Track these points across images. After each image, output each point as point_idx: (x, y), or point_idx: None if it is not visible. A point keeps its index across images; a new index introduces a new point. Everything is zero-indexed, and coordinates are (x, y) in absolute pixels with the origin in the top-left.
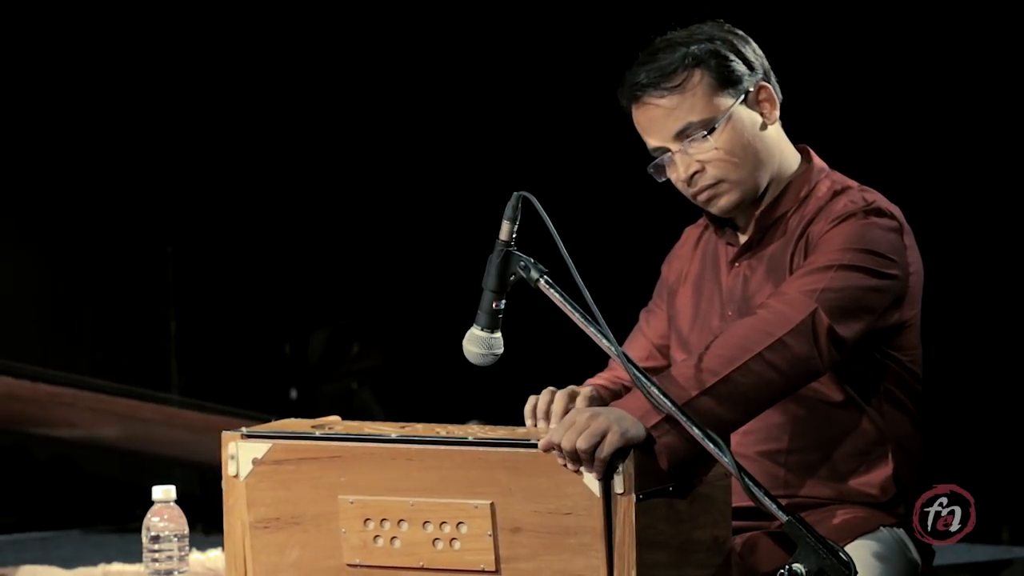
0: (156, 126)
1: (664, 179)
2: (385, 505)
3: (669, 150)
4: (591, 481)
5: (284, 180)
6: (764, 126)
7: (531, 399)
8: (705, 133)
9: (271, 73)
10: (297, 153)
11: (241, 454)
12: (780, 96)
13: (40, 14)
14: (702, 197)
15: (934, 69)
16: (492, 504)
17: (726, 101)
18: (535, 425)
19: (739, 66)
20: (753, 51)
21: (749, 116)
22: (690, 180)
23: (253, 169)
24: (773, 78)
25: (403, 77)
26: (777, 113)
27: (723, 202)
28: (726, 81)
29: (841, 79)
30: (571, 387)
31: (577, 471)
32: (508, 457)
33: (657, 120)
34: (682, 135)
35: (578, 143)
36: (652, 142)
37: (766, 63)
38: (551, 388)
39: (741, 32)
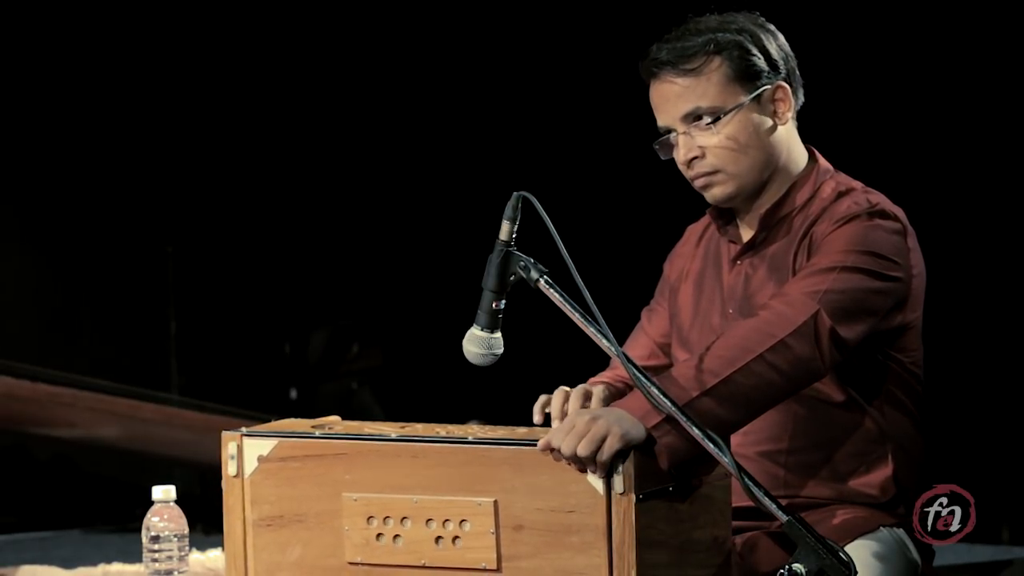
0: (156, 126)
1: (668, 157)
2: (389, 503)
3: (676, 130)
4: (595, 479)
5: (284, 180)
6: (774, 126)
7: (542, 397)
8: (710, 120)
9: (271, 73)
10: (297, 153)
11: (246, 451)
12: (801, 98)
13: (40, 14)
14: (698, 183)
15: (936, 71)
16: (495, 502)
17: (739, 94)
18: (542, 421)
19: (760, 62)
20: (779, 48)
21: (759, 113)
22: (689, 163)
23: (253, 169)
24: (796, 79)
25: (403, 77)
26: (790, 114)
27: (717, 191)
28: (743, 75)
29: (845, 80)
30: (584, 386)
31: (581, 470)
32: (512, 455)
33: (669, 99)
34: (689, 118)
35: (578, 143)
36: (661, 120)
37: (792, 63)
38: (564, 388)
39: (773, 27)
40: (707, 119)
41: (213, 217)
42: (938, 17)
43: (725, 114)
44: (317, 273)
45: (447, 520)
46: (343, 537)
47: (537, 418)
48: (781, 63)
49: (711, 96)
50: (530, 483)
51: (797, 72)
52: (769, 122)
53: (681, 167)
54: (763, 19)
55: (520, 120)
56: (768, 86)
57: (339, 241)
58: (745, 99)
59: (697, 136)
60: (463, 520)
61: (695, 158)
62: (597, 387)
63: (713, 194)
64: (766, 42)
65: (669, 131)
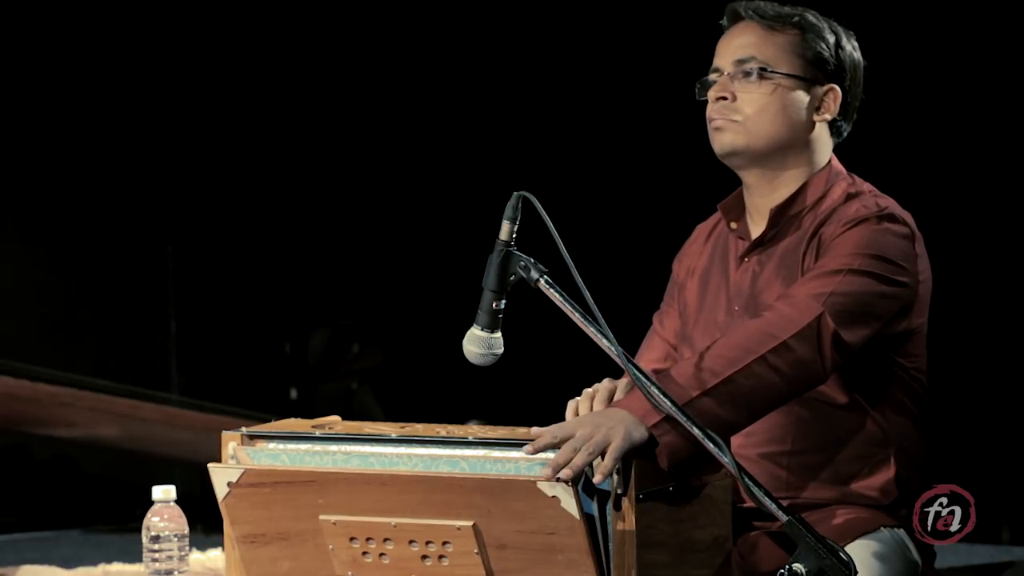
0: (156, 126)
1: (703, 99)
2: (367, 525)
3: (722, 71)
4: (569, 504)
5: (284, 180)
6: (811, 120)
7: (571, 403)
8: (757, 70)
9: (271, 73)
10: (297, 153)
11: (216, 479)
12: (847, 127)
13: (40, 14)
14: (716, 123)
15: (945, 76)
16: (474, 525)
17: (795, 68)
18: None
19: (829, 58)
20: (852, 64)
21: (804, 98)
22: (717, 99)
23: (253, 169)
24: (853, 104)
25: (403, 77)
26: (829, 117)
27: (727, 138)
28: (809, 58)
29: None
30: (607, 385)
31: (557, 479)
32: (482, 483)
33: (734, 40)
34: (740, 63)
35: (578, 143)
36: (716, 61)
37: (858, 88)
38: (588, 391)
39: (855, 43)
40: (755, 69)
41: (213, 217)
42: (949, 21)
43: (773, 72)
44: (317, 273)
45: (429, 541)
46: (329, 554)
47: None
48: (848, 74)
49: (770, 54)
50: (506, 509)
51: (857, 102)
52: (808, 112)
53: (709, 107)
54: (855, 37)
55: (520, 120)
56: (824, 82)
57: (339, 241)
58: (799, 74)
59: (737, 83)
60: (445, 542)
61: (724, 98)
62: (623, 380)
63: (722, 140)
64: (844, 48)
65: (717, 72)
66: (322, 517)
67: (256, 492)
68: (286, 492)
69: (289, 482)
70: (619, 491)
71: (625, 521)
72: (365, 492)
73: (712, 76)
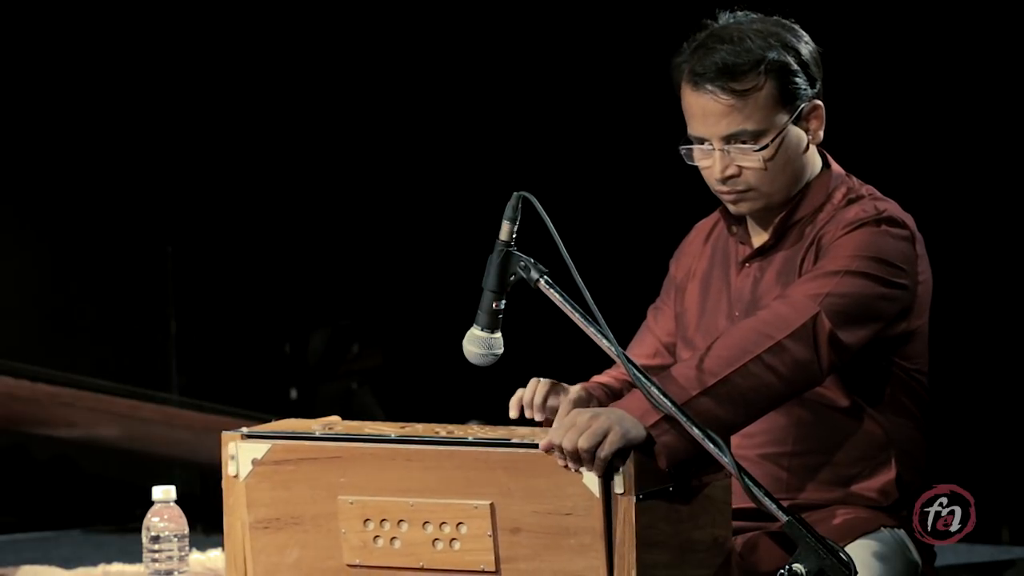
0: (156, 125)
1: (693, 164)
2: (384, 505)
3: (711, 144)
4: (591, 481)
5: (284, 180)
6: (808, 143)
7: (518, 391)
8: (755, 146)
9: (271, 73)
10: (297, 153)
11: (241, 454)
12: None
13: (40, 14)
14: (728, 197)
15: (946, 75)
16: (492, 504)
17: (782, 117)
18: (518, 415)
19: (801, 83)
20: (814, 61)
21: (797, 134)
22: (724, 180)
23: (253, 169)
24: (821, 79)
25: (403, 77)
26: (821, 133)
27: (746, 207)
28: (787, 97)
29: (856, 84)
30: (552, 380)
31: (577, 471)
32: (507, 457)
33: (711, 115)
34: (731, 139)
35: (578, 143)
36: (697, 131)
37: (820, 66)
38: (536, 378)
39: (807, 38)
40: (750, 143)
41: (213, 217)
42: (951, 21)
43: (771, 140)
44: (317, 273)
45: (444, 523)
46: (340, 539)
47: (513, 413)
48: (818, 79)
49: (756, 119)
50: (526, 486)
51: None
52: (804, 140)
53: (711, 180)
54: (795, 24)
55: (520, 120)
56: (806, 104)
57: (339, 241)
58: (787, 120)
59: (736, 156)
60: (460, 523)
61: (732, 176)
62: (574, 388)
63: (739, 208)
64: (805, 58)
65: (702, 140)
66: (340, 497)
67: (279, 470)
68: (309, 470)
69: (314, 458)
70: (619, 491)
71: (625, 521)
72: (388, 469)
73: (698, 145)
